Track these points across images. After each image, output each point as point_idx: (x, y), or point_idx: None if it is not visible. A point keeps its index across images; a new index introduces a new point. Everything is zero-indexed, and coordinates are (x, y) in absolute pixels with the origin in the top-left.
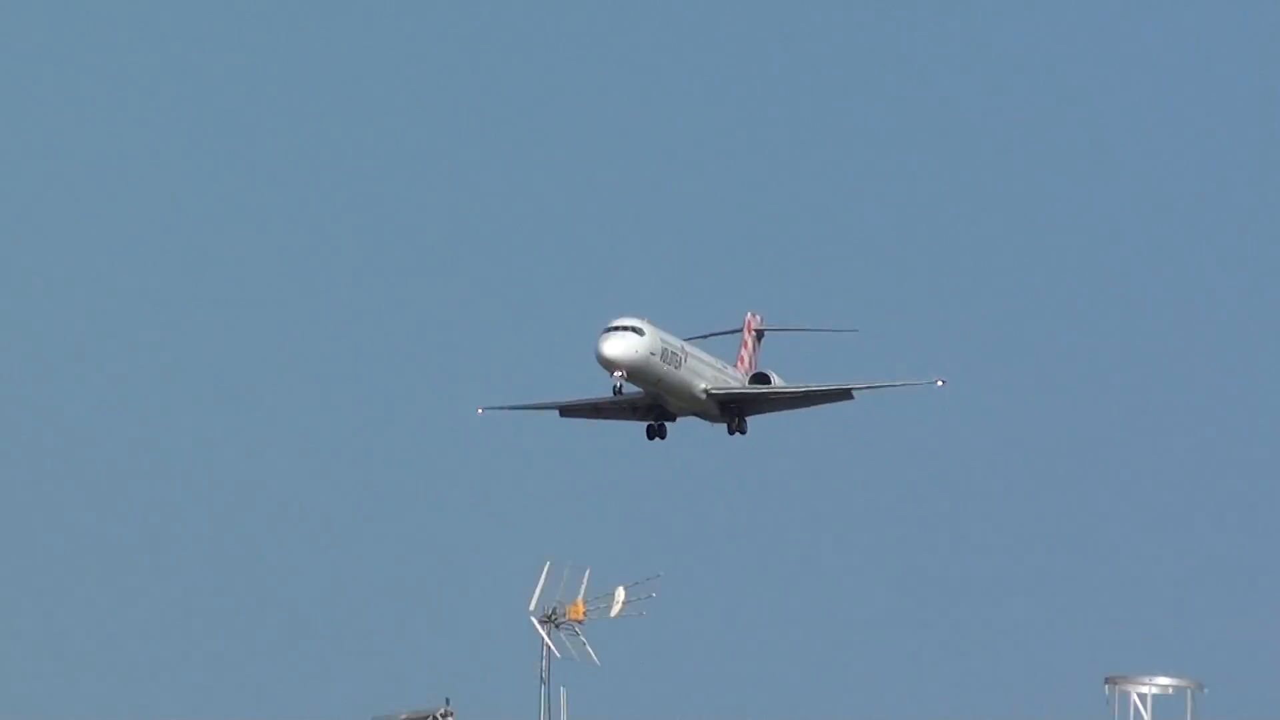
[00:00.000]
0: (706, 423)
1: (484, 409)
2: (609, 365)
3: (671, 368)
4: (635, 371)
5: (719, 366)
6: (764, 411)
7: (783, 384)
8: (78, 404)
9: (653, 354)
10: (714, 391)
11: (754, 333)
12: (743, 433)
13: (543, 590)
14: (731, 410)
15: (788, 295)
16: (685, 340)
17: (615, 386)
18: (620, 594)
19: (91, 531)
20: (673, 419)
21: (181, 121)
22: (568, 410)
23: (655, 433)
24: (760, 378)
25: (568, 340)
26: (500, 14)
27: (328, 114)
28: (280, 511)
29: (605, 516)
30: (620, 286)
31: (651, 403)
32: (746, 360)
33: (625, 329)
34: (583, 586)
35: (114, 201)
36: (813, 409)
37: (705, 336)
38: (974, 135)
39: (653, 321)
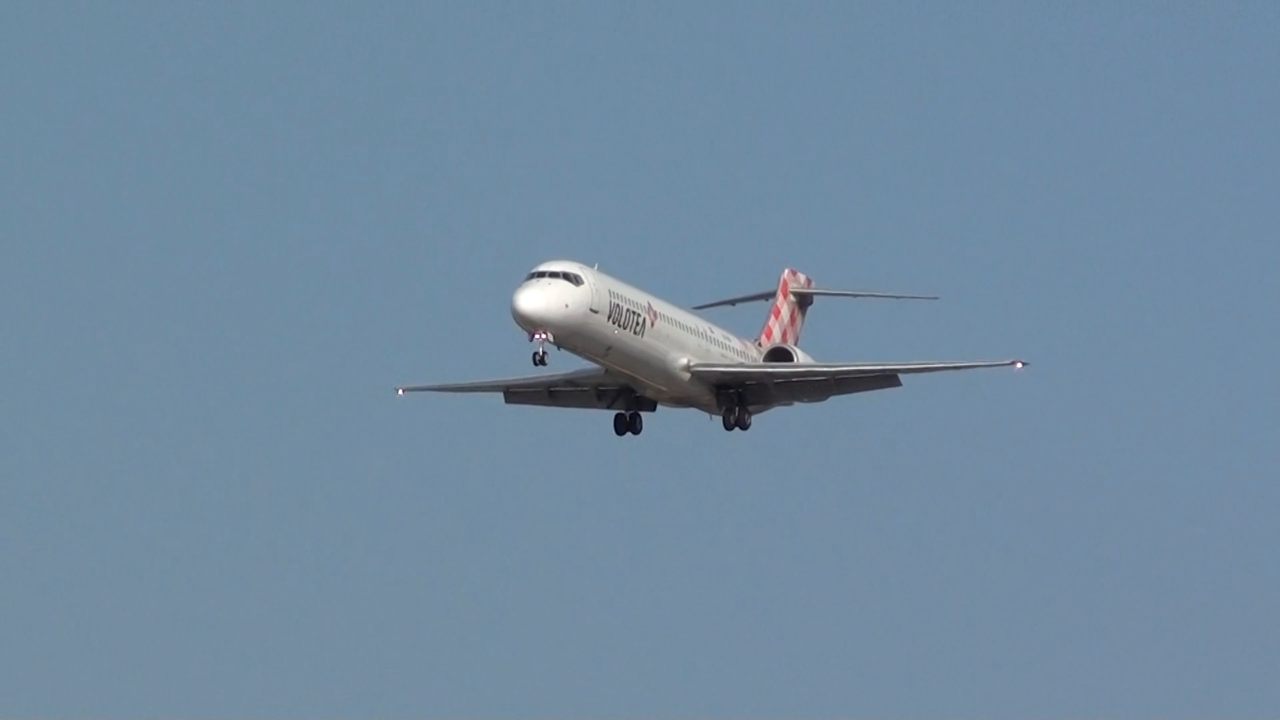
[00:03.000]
0: (704, 415)
1: (404, 389)
2: (526, 324)
3: (629, 332)
4: (567, 335)
5: (715, 337)
6: (778, 402)
7: (807, 362)
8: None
9: (594, 310)
10: (700, 369)
11: (792, 296)
12: (743, 428)
13: None
14: (730, 396)
15: (830, 256)
16: (692, 310)
17: (536, 354)
18: None
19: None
20: (652, 408)
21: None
22: (513, 394)
23: (626, 425)
24: (778, 354)
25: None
26: None
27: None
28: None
29: (538, 529)
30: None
31: (621, 385)
32: (777, 333)
33: (554, 275)
34: None
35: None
36: (844, 399)
37: (724, 304)
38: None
39: (602, 269)
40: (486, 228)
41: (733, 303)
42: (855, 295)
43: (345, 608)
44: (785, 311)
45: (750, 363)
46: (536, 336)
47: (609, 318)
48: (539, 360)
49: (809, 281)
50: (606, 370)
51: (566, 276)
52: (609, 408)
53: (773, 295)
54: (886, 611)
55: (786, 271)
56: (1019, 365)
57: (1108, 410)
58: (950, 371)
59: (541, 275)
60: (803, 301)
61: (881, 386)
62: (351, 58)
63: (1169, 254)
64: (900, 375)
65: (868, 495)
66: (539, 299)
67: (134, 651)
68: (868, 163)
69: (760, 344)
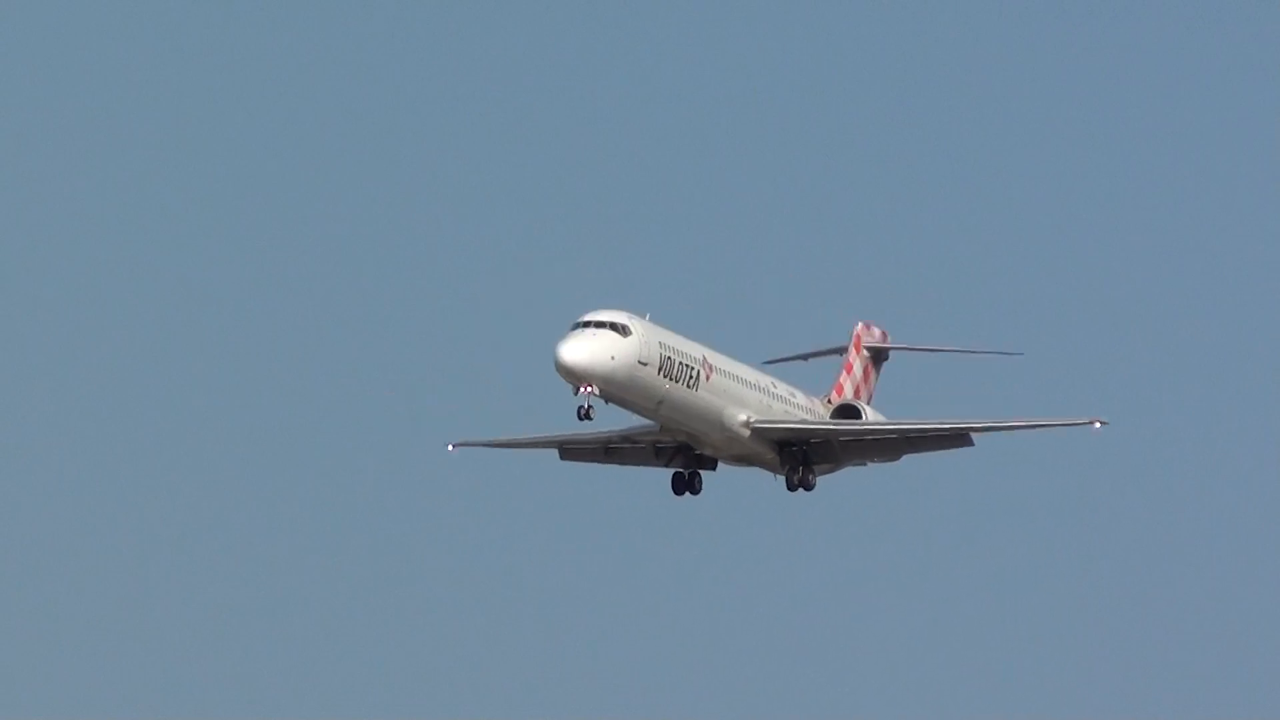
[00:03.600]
0: (768, 474)
1: (456, 445)
2: (569, 376)
3: (682, 386)
4: (615, 388)
5: (778, 393)
6: (848, 462)
7: (875, 420)
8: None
9: (643, 363)
10: (760, 425)
11: (865, 351)
12: (807, 489)
13: None
14: (794, 455)
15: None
16: (759, 368)
17: (581, 408)
18: None
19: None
20: (713, 467)
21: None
22: (569, 451)
23: (684, 485)
24: (846, 411)
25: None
26: None
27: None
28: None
29: (588, 591)
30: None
31: (680, 443)
32: (848, 389)
33: (599, 325)
34: None
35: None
36: (914, 459)
37: (795, 359)
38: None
39: (656, 320)
40: (543, 276)
41: (805, 358)
42: (934, 350)
43: (389, 673)
44: (858, 367)
45: (815, 420)
46: (581, 390)
47: (660, 371)
48: (584, 415)
49: (884, 336)
50: (662, 427)
51: (614, 327)
52: (667, 465)
53: (845, 350)
54: (947, 685)
55: (860, 325)
56: (1098, 425)
57: (1189, 472)
58: (1027, 431)
59: (587, 325)
60: (877, 357)
61: (953, 446)
62: (404, 97)
63: (1258, 311)
64: (973, 435)
65: (933, 560)
66: (583, 350)
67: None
68: (948, 212)
69: (830, 401)
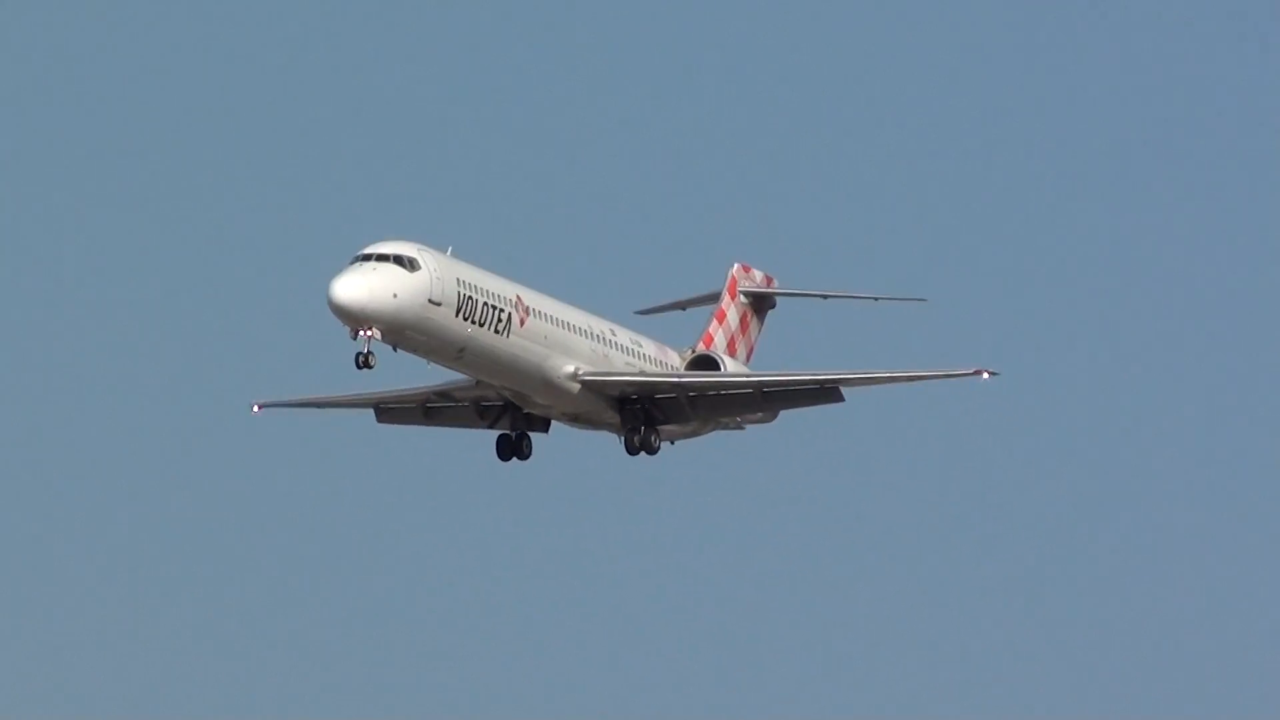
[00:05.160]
0: (614, 437)
1: (261, 405)
2: (345, 318)
3: (488, 331)
4: (401, 332)
5: (618, 340)
6: (705, 421)
7: (736, 371)
8: None
9: (435, 302)
10: (591, 378)
11: (742, 297)
12: (650, 452)
13: None
14: (636, 414)
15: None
16: (636, 314)
17: (359, 355)
18: None
19: None
20: (545, 428)
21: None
22: (385, 411)
23: (511, 449)
24: (704, 364)
25: None
26: None
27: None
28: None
29: (395, 565)
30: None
31: (505, 400)
32: (720, 340)
33: (381, 258)
34: None
35: None
36: (792, 419)
37: (672, 308)
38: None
39: (455, 254)
40: (370, 223)
41: (683, 306)
42: (826, 296)
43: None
44: (733, 315)
45: (657, 371)
46: (360, 334)
47: (458, 312)
48: (363, 363)
49: (768, 280)
50: (478, 381)
51: (398, 260)
52: (492, 427)
53: (718, 296)
54: (779, 672)
55: (736, 267)
56: (985, 375)
57: (1089, 427)
58: (910, 385)
59: (367, 258)
60: (759, 305)
61: (822, 401)
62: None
63: (1179, 255)
64: (844, 389)
65: (781, 531)
66: (360, 287)
67: None
68: (842, 143)
69: (694, 352)
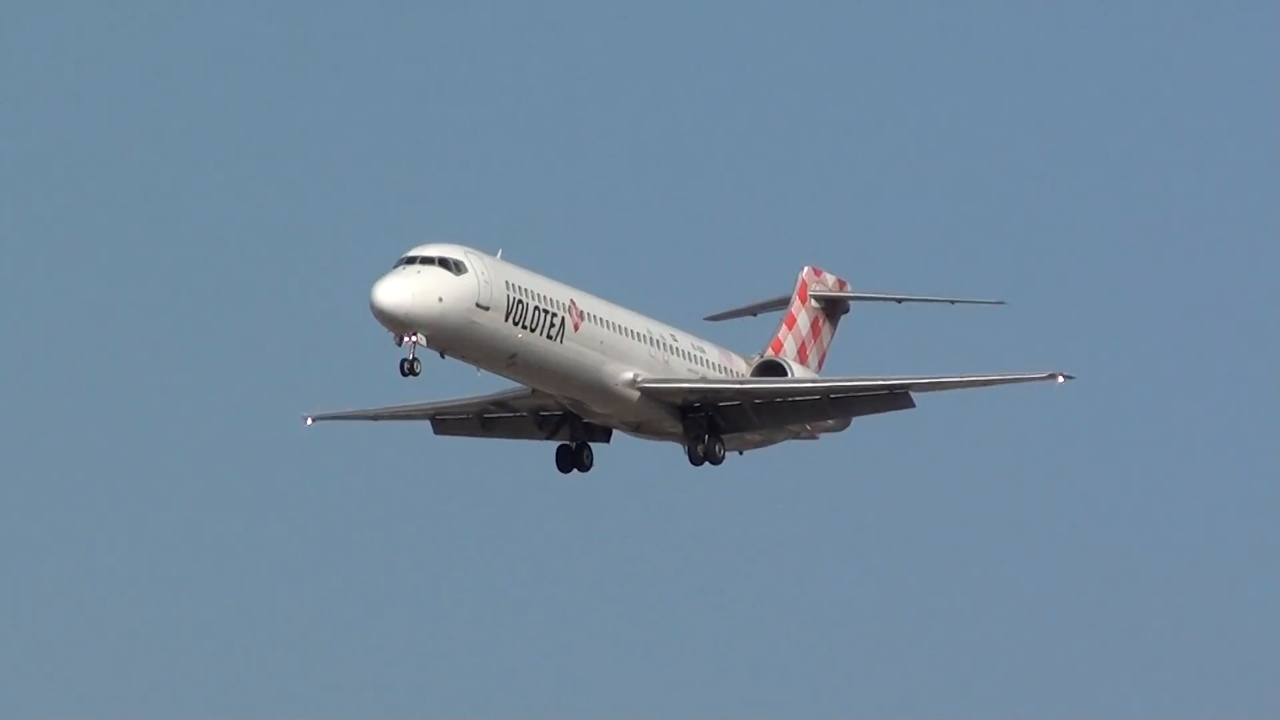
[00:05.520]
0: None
1: (314, 418)
2: (389, 323)
3: (541, 337)
4: (447, 337)
5: (679, 346)
6: (761, 428)
7: (803, 377)
8: None
9: (483, 306)
10: (650, 385)
11: (813, 302)
12: (714, 462)
13: None
14: (699, 423)
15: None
16: (706, 320)
17: (404, 362)
18: None
19: None
20: (606, 438)
21: None
22: (442, 422)
23: (571, 460)
24: (770, 370)
25: None
26: None
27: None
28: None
29: (451, 581)
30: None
31: (564, 410)
32: (790, 347)
33: (426, 261)
34: None
35: None
36: (865, 426)
37: (742, 314)
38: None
39: (504, 258)
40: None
41: (753, 313)
42: (901, 300)
43: (256, 669)
44: (803, 320)
45: (719, 378)
46: (405, 340)
47: (508, 317)
48: (408, 370)
49: (841, 284)
50: (534, 390)
51: (444, 263)
52: (551, 437)
53: (788, 301)
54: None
55: (806, 270)
56: (1060, 379)
57: (1169, 433)
58: (983, 390)
59: (411, 261)
60: (831, 309)
61: (892, 408)
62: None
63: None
64: (914, 394)
65: (846, 546)
66: (403, 291)
67: None
68: (916, 145)
69: (762, 358)
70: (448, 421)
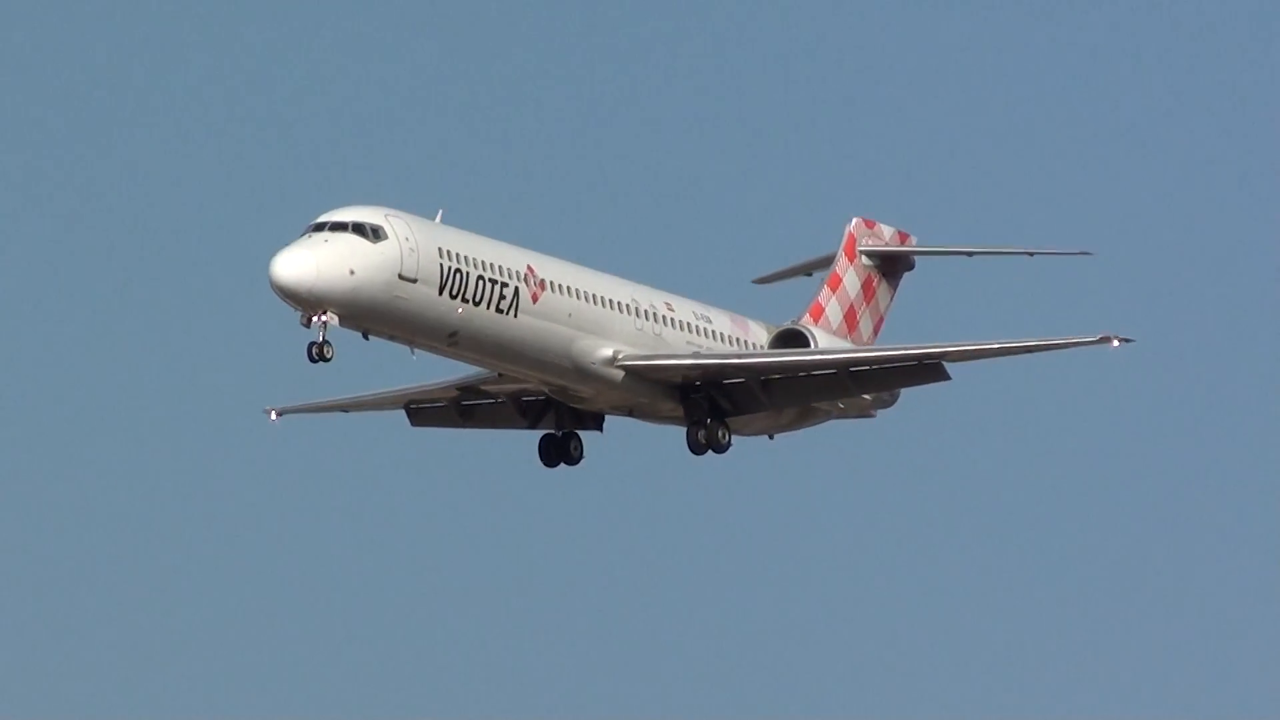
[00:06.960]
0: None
1: (278, 412)
2: (291, 300)
3: (489, 310)
4: (366, 315)
5: (673, 316)
6: (772, 407)
7: (826, 348)
8: None
9: (408, 278)
10: (634, 363)
11: (864, 259)
12: (718, 449)
13: None
14: (700, 405)
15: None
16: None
17: (312, 345)
18: None
19: None
20: (598, 425)
21: None
22: (416, 413)
23: (558, 452)
24: (791, 339)
25: None
26: None
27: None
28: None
29: (420, 588)
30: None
31: (548, 396)
32: (832, 311)
33: (337, 227)
34: None
35: None
36: (895, 403)
37: (795, 273)
38: None
39: (435, 219)
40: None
41: (808, 272)
42: (971, 254)
43: (225, 670)
44: (852, 280)
45: (724, 352)
46: (314, 319)
47: (443, 289)
48: (317, 355)
49: (902, 236)
50: (500, 373)
51: (358, 229)
52: (534, 426)
53: (833, 258)
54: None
55: (855, 221)
56: (1115, 343)
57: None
58: (1026, 356)
59: (320, 228)
60: (890, 266)
61: (926, 380)
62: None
63: None
64: (947, 364)
65: (864, 541)
66: (306, 263)
67: None
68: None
69: (794, 325)
70: (423, 411)
